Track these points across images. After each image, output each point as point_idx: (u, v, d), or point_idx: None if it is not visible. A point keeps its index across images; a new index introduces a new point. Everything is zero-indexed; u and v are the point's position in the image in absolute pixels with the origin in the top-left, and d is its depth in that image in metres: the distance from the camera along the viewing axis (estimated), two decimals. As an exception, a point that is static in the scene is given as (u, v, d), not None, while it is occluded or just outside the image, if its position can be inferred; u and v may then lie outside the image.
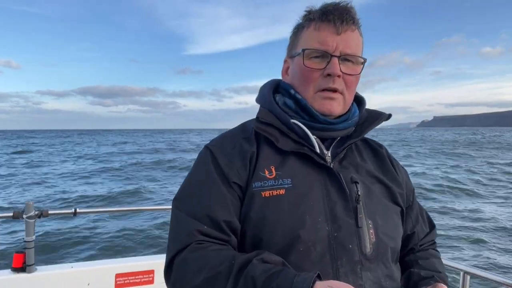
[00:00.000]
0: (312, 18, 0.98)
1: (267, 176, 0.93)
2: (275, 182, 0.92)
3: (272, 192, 0.91)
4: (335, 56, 0.95)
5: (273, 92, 1.10)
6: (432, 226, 1.15)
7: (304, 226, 0.88)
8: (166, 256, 0.90)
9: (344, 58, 0.96)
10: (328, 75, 0.95)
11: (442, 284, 0.90)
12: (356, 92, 1.09)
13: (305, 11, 1.02)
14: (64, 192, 13.58)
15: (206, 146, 1.02)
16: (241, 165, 0.94)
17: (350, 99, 1.02)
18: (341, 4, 0.97)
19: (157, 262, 2.35)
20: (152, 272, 2.32)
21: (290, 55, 1.06)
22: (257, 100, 1.11)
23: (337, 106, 0.98)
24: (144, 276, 2.30)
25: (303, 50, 0.97)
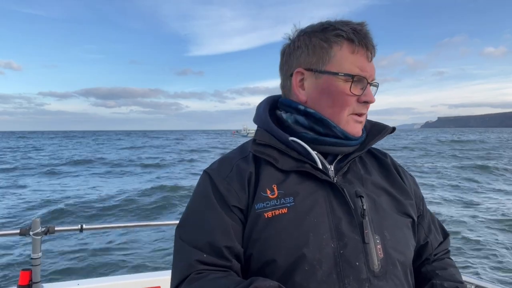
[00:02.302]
0: (344, 37, 0.94)
1: (269, 196, 0.91)
2: (277, 202, 0.90)
3: (274, 212, 0.89)
4: (370, 84, 0.98)
5: (271, 109, 1.07)
6: (445, 234, 1.12)
7: (308, 244, 0.85)
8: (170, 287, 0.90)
9: (372, 85, 1.00)
10: (365, 102, 0.98)
11: None
12: None
13: (331, 24, 0.97)
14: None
15: (205, 171, 1.00)
16: (240, 187, 0.93)
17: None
18: (365, 27, 0.97)
19: (163, 278, 2.32)
20: None
21: (312, 68, 0.98)
22: (254, 120, 1.08)
23: (361, 128, 1.02)
24: None
25: (353, 76, 0.95)
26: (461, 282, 0.98)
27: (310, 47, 0.98)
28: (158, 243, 8.06)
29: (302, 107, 1.00)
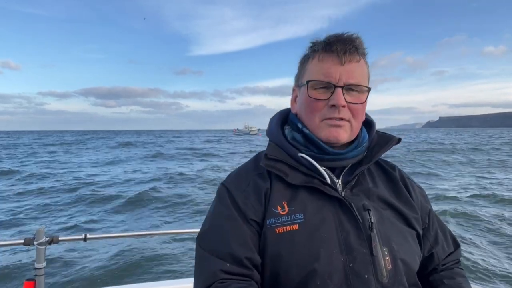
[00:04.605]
0: (316, 49, 1.01)
1: (280, 212, 0.95)
2: (288, 218, 0.94)
3: (285, 228, 0.93)
4: (339, 86, 0.97)
5: (283, 123, 1.13)
6: (456, 245, 1.14)
7: (319, 259, 0.89)
8: None
9: (349, 88, 0.98)
10: (333, 105, 0.97)
11: None
12: (366, 115, 1.10)
13: (311, 42, 1.04)
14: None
15: (223, 184, 1.06)
16: (256, 202, 0.97)
17: (357, 126, 1.04)
18: (345, 35, 0.99)
19: (179, 287, 2.29)
20: None
21: (297, 84, 1.09)
22: (267, 133, 1.14)
23: (343, 133, 1.00)
24: None
25: (307, 82, 1.00)
26: None
27: (299, 67, 1.09)
28: (166, 251, 8.00)
29: (300, 125, 1.05)
